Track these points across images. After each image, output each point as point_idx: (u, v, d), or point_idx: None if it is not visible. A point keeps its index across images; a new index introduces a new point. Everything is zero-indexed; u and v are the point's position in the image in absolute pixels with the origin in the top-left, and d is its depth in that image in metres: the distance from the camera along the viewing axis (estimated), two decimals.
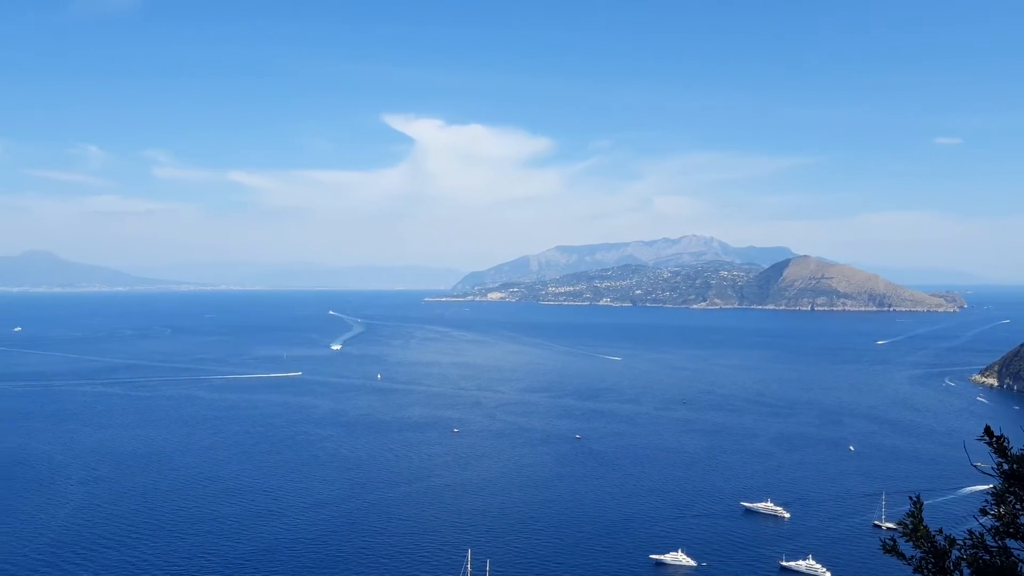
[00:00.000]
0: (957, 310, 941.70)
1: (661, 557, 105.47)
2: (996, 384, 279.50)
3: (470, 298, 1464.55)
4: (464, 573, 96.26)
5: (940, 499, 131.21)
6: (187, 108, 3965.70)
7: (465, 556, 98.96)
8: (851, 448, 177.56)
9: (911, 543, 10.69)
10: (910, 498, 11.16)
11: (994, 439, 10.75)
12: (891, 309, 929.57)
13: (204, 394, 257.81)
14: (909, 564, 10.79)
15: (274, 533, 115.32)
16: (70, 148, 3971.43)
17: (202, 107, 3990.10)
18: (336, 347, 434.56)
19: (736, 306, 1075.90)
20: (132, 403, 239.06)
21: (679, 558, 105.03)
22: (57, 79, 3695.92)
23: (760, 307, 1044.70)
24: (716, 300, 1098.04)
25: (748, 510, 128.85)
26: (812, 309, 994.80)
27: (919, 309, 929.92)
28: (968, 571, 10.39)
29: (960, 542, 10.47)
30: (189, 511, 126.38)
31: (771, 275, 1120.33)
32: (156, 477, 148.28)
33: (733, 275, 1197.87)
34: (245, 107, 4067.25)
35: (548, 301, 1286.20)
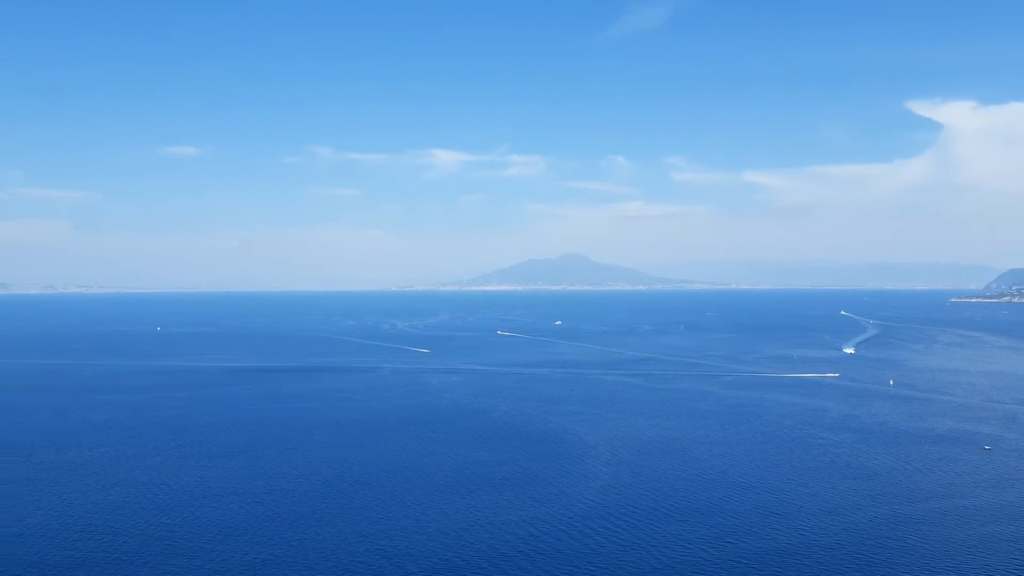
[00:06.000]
0: None
1: None
2: None
3: (1007, 299, 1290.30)
4: None
5: None
6: (705, 114, 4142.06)
7: None
8: None
9: None
10: None
11: None
12: None
13: (715, 390, 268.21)
14: None
15: (785, 535, 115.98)
16: (601, 160, 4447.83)
17: (719, 112, 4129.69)
18: (848, 350, 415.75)
19: None
20: (650, 394, 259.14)
21: None
22: (592, 97, 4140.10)
23: None
24: None
25: None
26: None
27: None
28: None
29: None
30: (703, 500, 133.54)
31: None
32: (671, 465, 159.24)
33: None
34: (761, 106, 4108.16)
35: None
